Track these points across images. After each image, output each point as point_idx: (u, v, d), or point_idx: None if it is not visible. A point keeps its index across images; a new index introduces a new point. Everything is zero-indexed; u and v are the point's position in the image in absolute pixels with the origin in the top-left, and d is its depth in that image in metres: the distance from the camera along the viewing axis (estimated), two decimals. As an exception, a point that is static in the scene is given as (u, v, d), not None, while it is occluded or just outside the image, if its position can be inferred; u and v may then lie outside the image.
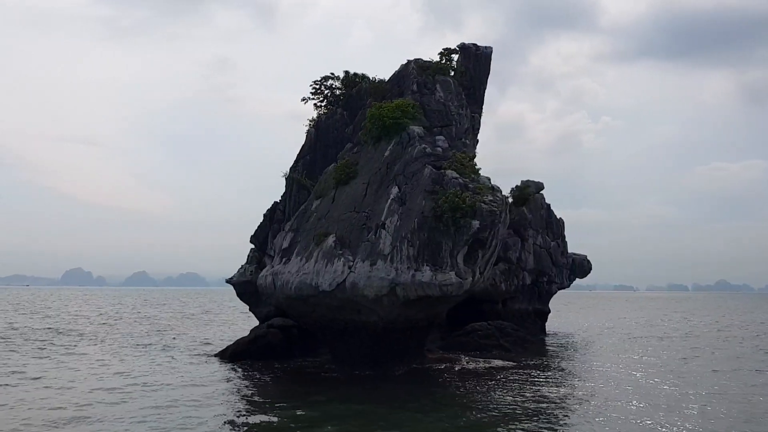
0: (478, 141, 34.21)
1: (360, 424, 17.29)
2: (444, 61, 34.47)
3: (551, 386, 23.46)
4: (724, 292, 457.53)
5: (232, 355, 30.69)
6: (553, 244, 49.94)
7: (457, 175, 25.14)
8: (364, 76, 37.92)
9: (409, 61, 33.03)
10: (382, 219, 25.40)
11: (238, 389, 22.81)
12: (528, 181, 49.87)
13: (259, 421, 17.69)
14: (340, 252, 25.48)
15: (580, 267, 54.98)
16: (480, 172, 26.97)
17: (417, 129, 27.97)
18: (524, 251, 46.34)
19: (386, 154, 27.96)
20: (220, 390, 22.47)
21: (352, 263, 24.94)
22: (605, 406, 19.85)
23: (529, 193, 47.97)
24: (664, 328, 58.97)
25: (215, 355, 31.65)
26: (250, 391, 22.39)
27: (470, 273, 23.72)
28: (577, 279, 53.76)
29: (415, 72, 31.78)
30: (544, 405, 19.86)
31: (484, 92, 34.62)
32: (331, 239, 26.22)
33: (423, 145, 26.97)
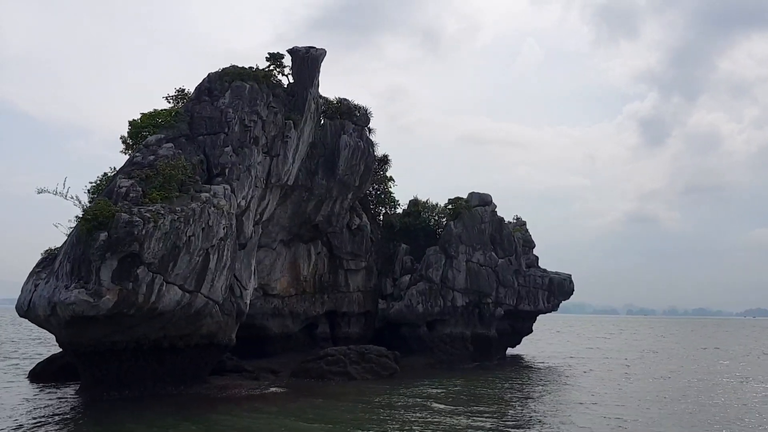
0: (299, 149, 31.63)
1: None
2: (272, 66, 32.45)
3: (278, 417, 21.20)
4: None
5: (31, 375, 30.55)
6: (502, 261, 44.68)
7: (127, 185, 23.18)
8: None
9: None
10: (71, 234, 24.08)
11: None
12: (472, 193, 45.27)
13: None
14: (38, 270, 24.47)
15: (560, 287, 48.99)
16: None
17: (152, 138, 26.32)
18: (452, 269, 41.88)
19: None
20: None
21: (40, 281, 23.82)
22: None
23: (461, 206, 43.41)
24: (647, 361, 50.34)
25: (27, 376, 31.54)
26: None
27: (116, 291, 21.62)
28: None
29: (207, 79, 30.11)
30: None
31: (307, 97, 31.81)
32: (41, 256, 25.30)
33: (138, 154, 25.33)
